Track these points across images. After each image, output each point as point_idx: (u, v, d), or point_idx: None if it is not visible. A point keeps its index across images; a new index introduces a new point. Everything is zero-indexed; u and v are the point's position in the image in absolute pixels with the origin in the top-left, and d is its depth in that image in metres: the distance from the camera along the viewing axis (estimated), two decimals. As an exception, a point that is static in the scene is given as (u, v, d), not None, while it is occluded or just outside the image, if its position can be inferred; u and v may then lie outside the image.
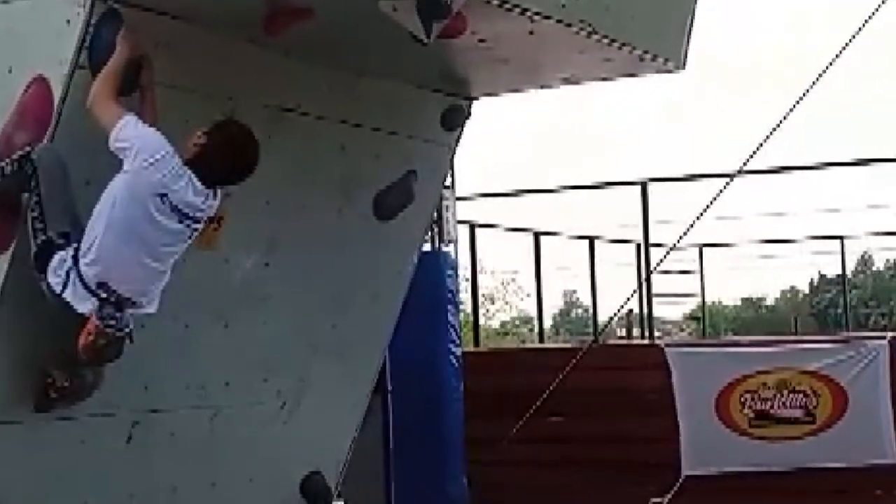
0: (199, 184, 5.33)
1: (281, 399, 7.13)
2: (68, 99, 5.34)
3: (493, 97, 7.71)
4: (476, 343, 13.10)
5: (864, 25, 8.51)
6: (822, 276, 36.57)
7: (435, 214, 9.53)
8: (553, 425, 11.01)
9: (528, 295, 20.62)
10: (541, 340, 15.08)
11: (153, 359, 6.10)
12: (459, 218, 11.30)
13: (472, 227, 12.78)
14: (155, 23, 5.50)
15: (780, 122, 9.10)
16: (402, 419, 9.98)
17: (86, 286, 5.22)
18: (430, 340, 10.16)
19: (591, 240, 14.87)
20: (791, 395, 10.52)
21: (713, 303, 30.56)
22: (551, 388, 10.62)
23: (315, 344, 7.21)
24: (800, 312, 34.90)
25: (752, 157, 9.56)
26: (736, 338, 19.52)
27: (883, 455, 10.16)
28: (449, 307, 10.42)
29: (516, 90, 7.57)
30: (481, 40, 6.09)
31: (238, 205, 6.01)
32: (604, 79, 7.29)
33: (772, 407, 10.56)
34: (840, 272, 17.64)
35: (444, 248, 10.57)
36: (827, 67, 8.79)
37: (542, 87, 7.48)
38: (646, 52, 6.68)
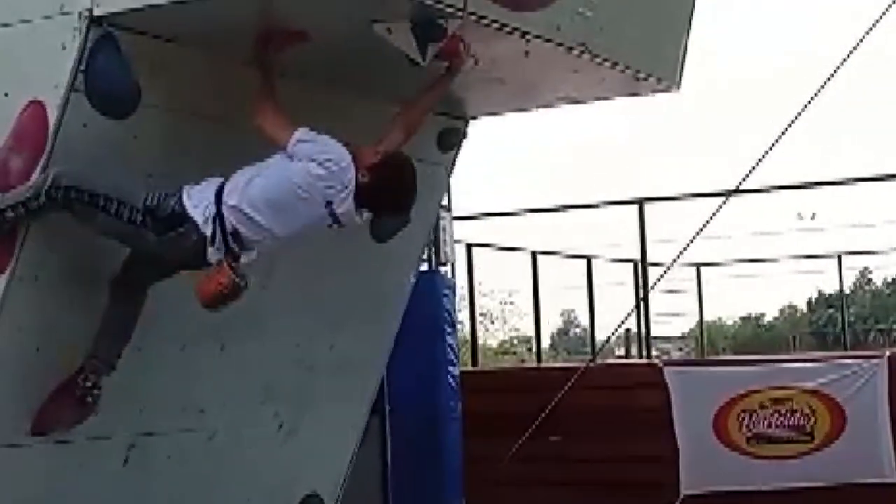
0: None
1: (278, 420, 7.12)
2: (64, 123, 5.34)
3: (490, 117, 7.72)
4: (474, 363, 13.10)
5: (861, 40, 8.48)
6: (820, 294, 36.55)
7: (432, 235, 9.54)
8: (551, 445, 10.99)
9: (526, 315, 20.59)
10: (539, 360, 15.07)
11: (149, 381, 6.11)
12: (456, 238, 11.31)
13: (470, 246, 12.79)
14: (151, 46, 5.51)
15: (778, 139, 9.05)
16: (401, 440, 9.97)
17: (224, 233, 5.30)
18: (427, 361, 10.15)
19: (589, 259, 14.87)
20: (789, 414, 10.52)
21: (712, 321, 30.52)
22: (550, 407, 10.62)
23: (312, 365, 7.20)
24: (798, 330, 34.89)
25: (749, 174, 9.53)
26: (733, 356, 19.52)
27: (881, 474, 10.15)
28: (446, 327, 10.41)
29: (512, 110, 7.58)
30: (476, 61, 6.10)
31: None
32: (599, 99, 7.31)
33: (769, 426, 10.56)
34: (838, 290, 17.63)
35: (442, 269, 10.58)
36: (824, 84, 8.70)
37: (537, 107, 7.50)
38: (641, 72, 6.70)
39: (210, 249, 5.33)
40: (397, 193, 5.62)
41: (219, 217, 5.30)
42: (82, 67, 5.32)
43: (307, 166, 5.32)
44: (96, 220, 5.33)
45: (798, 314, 40.10)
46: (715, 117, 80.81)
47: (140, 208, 5.29)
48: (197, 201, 5.33)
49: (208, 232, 5.30)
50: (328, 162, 5.33)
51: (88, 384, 5.60)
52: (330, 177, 5.33)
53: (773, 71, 75.21)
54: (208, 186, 5.37)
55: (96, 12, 5.27)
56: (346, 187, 5.39)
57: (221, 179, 5.38)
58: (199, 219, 5.31)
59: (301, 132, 5.37)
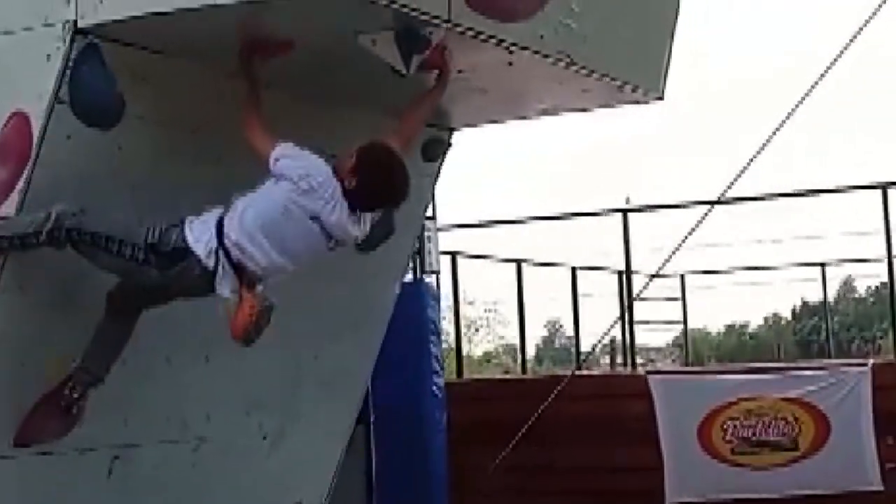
0: (347, 211, 5.40)
1: (263, 432, 7.11)
2: (48, 134, 5.33)
3: (474, 127, 7.72)
4: (459, 373, 13.09)
5: (845, 49, 8.48)
6: (804, 303, 36.60)
7: (417, 245, 9.54)
8: (537, 454, 10.99)
9: (510, 323, 20.60)
10: (524, 370, 15.07)
11: (134, 392, 6.09)
12: (441, 248, 11.31)
13: (454, 256, 12.79)
14: (135, 57, 5.51)
15: (762, 147, 9.05)
16: (385, 450, 9.96)
17: (232, 265, 5.27)
18: (412, 371, 10.15)
19: (574, 268, 14.88)
20: (773, 423, 10.53)
21: (697, 330, 30.53)
22: (535, 417, 10.62)
23: (297, 376, 7.19)
24: (783, 339, 34.92)
25: (733, 183, 9.54)
26: (718, 365, 19.55)
27: (866, 482, 10.17)
28: (431, 338, 10.41)
29: (496, 121, 7.59)
30: (460, 71, 6.11)
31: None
32: (583, 109, 7.32)
33: (754, 434, 10.58)
34: (822, 299, 17.67)
35: (427, 279, 10.58)
36: (809, 91, 8.72)
37: (521, 117, 7.51)
38: (624, 81, 6.71)
39: (217, 283, 5.30)
40: (387, 181, 5.50)
41: (222, 249, 5.27)
42: (66, 79, 5.31)
43: (286, 185, 5.28)
44: (97, 257, 5.34)
45: (783, 323, 40.16)
46: (716, 118, 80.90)
47: (142, 245, 5.26)
48: (199, 234, 5.29)
49: (211, 265, 5.27)
50: (308, 177, 5.28)
51: (75, 395, 5.58)
52: (311, 191, 5.28)
53: (773, 71, 75.13)
54: (209, 218, 5.33)
55: (80, 24, 5.27)
56: (331, 199, 5.34)
57: (221, 210, 5.33)
58: (201, 253, 5.27)
59: (279, 150, 5.33)
